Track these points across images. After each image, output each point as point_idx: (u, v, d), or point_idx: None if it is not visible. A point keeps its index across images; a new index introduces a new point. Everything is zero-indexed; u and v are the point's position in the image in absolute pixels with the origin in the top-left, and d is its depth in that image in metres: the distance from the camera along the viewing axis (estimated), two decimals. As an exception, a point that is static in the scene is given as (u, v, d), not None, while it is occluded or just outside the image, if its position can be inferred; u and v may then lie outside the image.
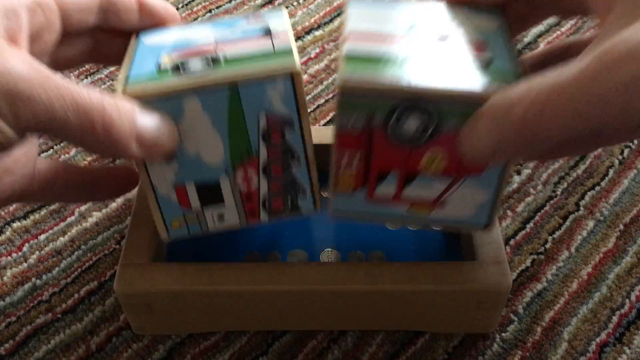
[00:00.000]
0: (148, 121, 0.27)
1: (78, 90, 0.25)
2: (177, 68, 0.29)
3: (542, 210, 0.43)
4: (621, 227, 0.42)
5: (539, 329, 0.38)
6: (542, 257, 0.41)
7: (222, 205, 0.32)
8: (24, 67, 0.24)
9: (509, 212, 0.43)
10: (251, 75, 0.28)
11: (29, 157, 0.30)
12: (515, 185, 0.45)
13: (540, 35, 0.56)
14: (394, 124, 0.28)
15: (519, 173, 0.45)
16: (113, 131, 0.25)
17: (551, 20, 0.57)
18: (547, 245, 0.42)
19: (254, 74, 0.28)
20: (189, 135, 0.29)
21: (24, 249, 0.42)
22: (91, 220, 0.43)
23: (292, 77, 0.28)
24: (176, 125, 0.29)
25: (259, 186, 0.31)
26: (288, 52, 0.29)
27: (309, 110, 0.50)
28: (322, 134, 0.37)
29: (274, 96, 0.28)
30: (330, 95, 0.51)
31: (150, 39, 0.32)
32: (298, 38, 0.56)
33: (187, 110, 0.28)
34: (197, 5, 0.60)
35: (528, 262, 0.41)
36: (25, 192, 0.31)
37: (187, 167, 0.30)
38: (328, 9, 0.59)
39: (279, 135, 0.30)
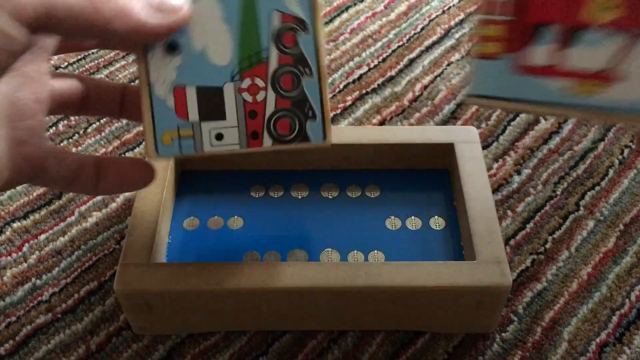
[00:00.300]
0: None
1: None
2: None
3: (542, 210, 0.43)
4: (621, 227, 0.42)
5: (539, 329, 0.38)
6: (542, 257, 0.41)
7: (222, 121, 0.29)
8: None
9: (509, 212, 0.43)
10: None
11: (40, 100, 0.28)
12: (515, 185, 0.45)
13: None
14: None
15: (519, 173, 0.45)
16: (116, 5, 0.24)
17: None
18: (547, 245, 0.42)
19: None
20: (198, 26, 0.28)
21: (24, 249, 0.42)
22: (91, 220, 0.43)
23: None
24: None
25: (266, 99, 0.29)
26: None
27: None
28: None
29: None
30: (331, 95, 0.51)
31: None
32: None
33: None
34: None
35: (528, 262, 0.41)
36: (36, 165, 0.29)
37: (190, 65, 0.28)
38: (328, 8, 0.59)
39: (291, 38, 0.28)
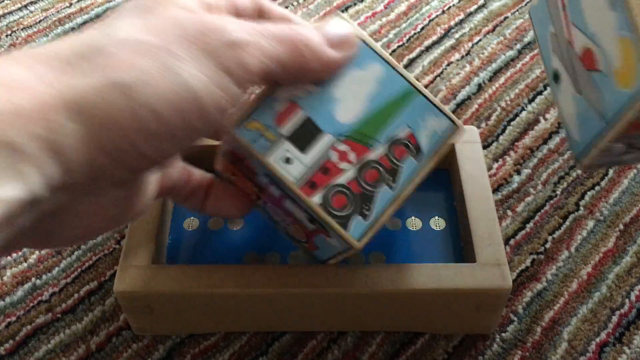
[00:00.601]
0: (334, 28, 0.29)
1: (279, 27, 0.26)
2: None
3: (542, 210, 0.43)
4: (621, 227, 0.42)
5: (539, 329, 0.38)
6: (542, 257, 0.41)
7: (301, 154, 0.29)
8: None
9: (509, 212, 0.43)
10: (430, 97, 0.31)
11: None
12: (515, 185, 0.45)
13: (540, 35, 0.56)
14: None
15: (518, 173, 0.45)
16: (313, 47, 0.27)
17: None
18: (547, 245, 0.42)
19: (433, 99, 0.31)
20: (348, 83, 0.30)
21: (24, 248, 0.42)
22: (91, 220, 0.43)
23: (455, 129, 0.31)
24: (347, 67, 0.30)
25: (345, 172, 0.30)
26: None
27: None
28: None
29: (430, 127, 0.31)
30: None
31: None
32: (298, 38, 0.56)
33: (369, 67, 0.30)
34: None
35: (528, 262, 0.41)
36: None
37: (317, 99, 0.30)
38: (328, 8, 0.59)
39: (402, 153, 0.30)
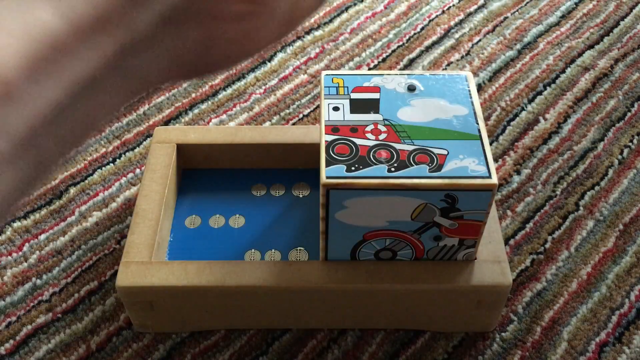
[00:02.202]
0: None
1: None
2: None
3: (542, 210, 0.43)
4: (621, 227, 0.42)
5: (538, 329, 0.38)
6: (541, 257, 0.41)
7: (349, 112, 0.34)
8: None
9: (508, 212, 0.43)
10: (486, 147, 0.32)
11: None
12: (515, 185, 0.45)
13: (540, 35, 0.56)
14: None
15: (518, 173, 0.46)
16: None
17: (551, 19, 0.57)
18: (547, 245, 0.42)
19: (488, 150, 0.32)
20: (431, 105, 0.34)
21: (24, 248, 0.42)
22: (91, 220, 0.43)
23: (486, 179, 0.31)
24: (440, 96, 0.34)
25: (367, 139, 0.33)
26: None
27: (309, 110, 0.50)
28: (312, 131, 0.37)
29: (464, 164, 0.32)
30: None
31: None
32: (298, 38, 0.56)
33: (455, 105, 0.34)
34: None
35: (528, 262, 0.41)
36: None
37: (394, 96, 0.35)
38: (328, 8, 0.59)
39: (422, 159, 0.32)
